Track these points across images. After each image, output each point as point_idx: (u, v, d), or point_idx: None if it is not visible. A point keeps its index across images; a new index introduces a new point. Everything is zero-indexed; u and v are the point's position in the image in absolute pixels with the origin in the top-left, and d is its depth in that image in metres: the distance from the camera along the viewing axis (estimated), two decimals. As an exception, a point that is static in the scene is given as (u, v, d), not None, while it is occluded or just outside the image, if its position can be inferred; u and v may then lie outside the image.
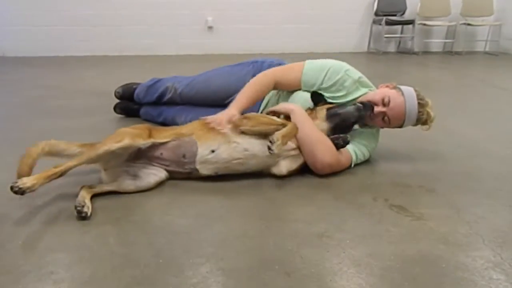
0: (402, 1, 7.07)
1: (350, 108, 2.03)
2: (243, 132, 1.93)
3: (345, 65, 2.18)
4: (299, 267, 1.35)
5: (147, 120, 2.76)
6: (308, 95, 2.15)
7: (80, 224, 1.58)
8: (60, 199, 1.75)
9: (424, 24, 6.99)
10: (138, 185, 1.84)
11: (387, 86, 2.16)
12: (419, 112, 2.05)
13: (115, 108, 2.97)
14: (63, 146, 1.82)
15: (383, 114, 2.04)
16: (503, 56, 7.00)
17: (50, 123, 2.82)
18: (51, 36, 6.22)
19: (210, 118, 2.02)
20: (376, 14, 6.97)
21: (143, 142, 1.86)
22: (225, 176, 1.95)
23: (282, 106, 2.12)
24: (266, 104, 2.35)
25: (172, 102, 2.68)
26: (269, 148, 1.79)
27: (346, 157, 2.06)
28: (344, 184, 1.97)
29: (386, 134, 2.32)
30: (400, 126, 2.12)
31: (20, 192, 1.53)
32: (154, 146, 1.91)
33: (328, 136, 2.01)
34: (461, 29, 7.13)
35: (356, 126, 2.16)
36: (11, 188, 1.52)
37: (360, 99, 2.12)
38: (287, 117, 2.05)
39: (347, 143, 2.02)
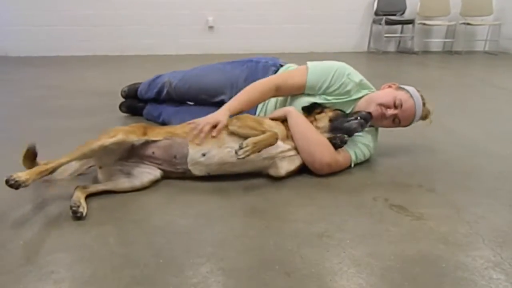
0: (402, 0, 7.08)
1: (354, 123, 2.01)
2: (232, 133, 1.92)
3: (347, 68, 2.17)
4: (299, 267, 1.35)
5: (149, 120, 2.77)
6: (307, 99, 2.15)
7: (80, 224, 1.58)
8: (61, 199, 1.75)
9: (424, 24, 7.00)
10: (133, 184, 1.84)
11: (389, 87, 2.16)
12: (424, 111, 2.11)
13: (120, 107, 2.99)
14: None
15: (395, 116, 2.06)
16: (503, 56, 7.00)
17: (52, 123, 2.83)
18: (52, 36, 6.23)
19: (194, 122, 1.98)
20: (376, 13, 6.97)
21: (136, 139, 1.87)
22: (225, 176, 1.95)
23: (278, 111, 2.12)
24: (261, 109, 2.35)
25: (170, 99, 2.70)
26: (235, 152, 1.75)
27: (344, 157, 2.06)
28: (344, 184, 1.97)
29: (386, 134, 2.32)
30: (406, 126, 2.15)
31: (16, 186, 1.52)
32: (147, 144, 1.91)
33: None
34: (460, 29, 7.14)
35: None
36: (7, 181, 1.52)
37: (365, 100, 2.12)
38: (284, 121, 2.05)
39: (345, 142, 2.02)
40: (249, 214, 1.69)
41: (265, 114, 2.31)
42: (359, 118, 2.02)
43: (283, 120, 2.06)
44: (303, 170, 2.03)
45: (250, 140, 1.77)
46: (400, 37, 7.39)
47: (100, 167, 1.87)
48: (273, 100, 2.32)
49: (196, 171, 1.92)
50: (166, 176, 1.95)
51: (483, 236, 1.54)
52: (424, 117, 2.13)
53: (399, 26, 7.26)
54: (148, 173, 1.89)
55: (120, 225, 1.58)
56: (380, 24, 6.90)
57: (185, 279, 1.28)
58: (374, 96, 2.12)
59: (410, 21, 6.96)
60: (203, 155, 1.89)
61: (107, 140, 1.77)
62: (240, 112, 2.07)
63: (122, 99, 3.00)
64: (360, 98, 2.17)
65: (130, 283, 1.26)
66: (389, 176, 2.08)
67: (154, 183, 1.90)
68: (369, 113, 2.04)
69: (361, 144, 2.13)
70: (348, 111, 2.14)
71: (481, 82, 4.80)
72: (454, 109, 3.44)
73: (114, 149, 1.82)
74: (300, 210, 1.72)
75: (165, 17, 6.48)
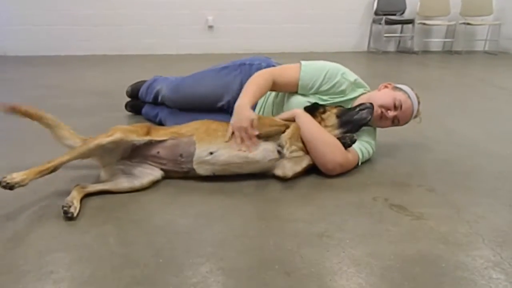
0: (401, 0, 7.08)
1: (363, 113, 2.03)
2: None
3: (341, 68, 2.17)
4: (299, 266, 1.35)
5: (148, 120, 2.77)
6: (303, 100, 2.15)
7: (80, 223, 1.58)
8: (61, 199, 1.74)
9: (424, 24, 7.00)
10: (132, 184, 1.83)
11: (386, 87, 2.17)
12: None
13: (126, 106, 3.00)
14: (66, 134, 1.87)
15: (395, 117, 2.08)
16: (503, 56, 7.00)
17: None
18: (52, 35, 6.23)
19: (231, 129, 1.92)
20: (376, 13, 6.98)
21: (137, 139, 1.86)
22: (225, 176, 1.95)
23: (286, 112, 2.12)
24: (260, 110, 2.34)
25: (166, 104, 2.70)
26: (279, 153, 1.83)
27: (353, 155, 2.06)
28: (344, 183, 1.97)
29: (386, 134, 2.32)
30: (403, 125, 2.17)
31: (9, 187, 1.53)
32: (151, 144, 1.91)
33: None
34: (460, 29, 7.14)
35: None
36: (3, 183, 1.53)
37: (362, 100, 2.13)
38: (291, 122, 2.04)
39: (354, 142, 2.02)
40: (249, 214, 1.69)
41: (263, 115, 2.30)
42: (366, 108, 2.03)
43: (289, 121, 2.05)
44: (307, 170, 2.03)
45: (285, 137, 1.86)
46: (400, 37, 7.39)
47: (103, 166, 1.87)
48: (270, 101, 2.32)
49: (201, 170, 1.92)
50: (168, 176, 1.95)
51: (483, 236, 1.54)
52: (415, 116, 2.17)
53: (399, 26, 7.26)
54: (149, 173, 1.88)
55: (120, 225, 1.58)
56: (380, 24, 6.90)
57: (185, 279, 1.28)
58: (373, 97, 2.12)
59: (410, 21, 6.96)
60: (211, 153, 1.89)
61: (104, 139, 1.77)
62: (255, 103, 2.06)
63: (125, 99, 3.01)
64: (356, 97, 2.18)
65: (130, 283, 1.26)
66: (389, 176, 2.08)
67: (155, 183, 1.90)
68: (371, 103, 2.05)
69: (365, 142, 2.14)
70: None
71: (481, 82, 4.80)
72: (454, 109, 3.44)
73: (113, 148, 1.82)
74: (300, 210, 1.72)
75: (165, 17, 6.48)
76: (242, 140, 1.87)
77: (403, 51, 7.30)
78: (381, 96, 2.12)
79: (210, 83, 2.48)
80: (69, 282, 1.26)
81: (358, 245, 1.47)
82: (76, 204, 1.64)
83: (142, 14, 6.41)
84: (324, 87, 2.13)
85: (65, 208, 1.59)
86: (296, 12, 6.85)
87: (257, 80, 2.09)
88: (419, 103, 2.14)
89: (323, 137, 1.98)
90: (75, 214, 1.60)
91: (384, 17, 6.80)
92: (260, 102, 2.32)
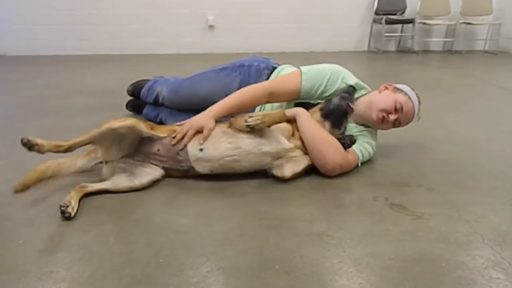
0: (402, 0, 7.07)
1: (336, 99, 2.02)
2: (225, 132, 1.93)
3: (341, 72, 2.16)
4: (299, 266, 1.35)
5: (149, 120, 2.77)
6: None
7: (80, 223, 1.58)
8: (61, 198, 1.75)
9: (424, 23, 7.00)
10: (132, 184, 1.83)
11: (386, 88, 2.16)
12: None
13: (127, 106, 3.00)
14: (68, 163, 1.90)
15: (396, 119, 2.08)
16: (503, 55, 7.00)
17: (51, 122, 2.83)
18: (52, 35, 6.23)
19: (179, 126, 1.97)
20: (376, 13, 6.97)
21: (145, 130, 1.88)
22: (225, 176, 1.95)
23: (288, 111, 2.10)
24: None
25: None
26: (245, 121, 1.83)
27: (353, 156, 2.06)
28: (344, 183, 1.97)
29: (386, 134, 2.31)
30: (404, 125, 2.17)
31: (28, 145, 1.66)
32: (152, 140, 1.92)
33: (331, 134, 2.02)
34: (460, 28, 7.14)
35: (355, 126, 2.17)
36: (22, 140, 1.65)
37: (363, 102, 2.13)
38: (292, 121, 2.04)
39: (354, 142, 2.03)
40: (249, 213, 1.69)
41: None
42: (338, 95, 2.03)
43: (289, 121, 2.04)
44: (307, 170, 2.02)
45: (259, 112, 1.85)
46: (400, 36, 7.39)
47: (106, 162, 1.88)
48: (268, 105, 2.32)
49: (199, 167, 1.92)
50: (169, 175, 1.95)
51: (483, 235, 1.54)
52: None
53: (399, 26, 7.26)
54: (149, 173, 1.89)
55: (120, 224, 1.58)
56: (380, 23, 6.90)
57: (185, 279, 1.28)
58: (374, 100, 2.11)
59: (410, 21, 6.96)
60: (201, 150, 1.90)
61: (115, 123, 1.80)
62: (224, 117, 2.04)
63: (126, 98, 3.02)
64: (356, 98, 2.17)
65: (130, 283, 1.26)
66: (389, 175, 2.08)
67: (154, 183, 1.90)
68: (351, 86, 2.07)
69: (365, 143, 2.13)
70: None
71: (481, 81, 4.80)
72: (454, 108, 3.44)
73: (122, 136, 1.84)
74: (300, 210, 1.72)
75: (165, 16, 6.48)
76: (182, 136, 1.92)
77: (403, 51, 7.30)
78: (381, 100, 2.10)
79: (209, 84, 2.48)
80: (70, 282, 1.26)
81: (359, 244, 1.47)
82: (74, 204, 1.64)
83: (142, 13, 6.41)
84: (326, 94, 2.13)
85: (62, 208, 1.59)
86: (296, 11, 6.85)
87: (249, 92, 2.09)
88: (419, 103, 2.14)
89: (323, 137, 1.97)
90: (72, 214, 1.60)
91: (384, 17, 6.80)
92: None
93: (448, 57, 6.76)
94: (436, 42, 7.40)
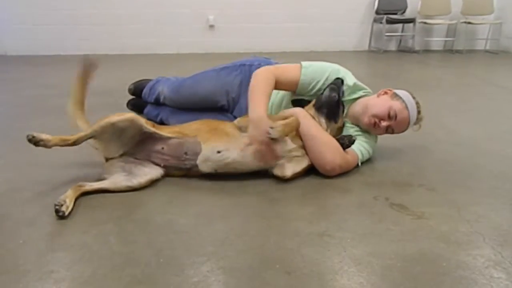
0: (402, -1, 7.08)
1: (326, 92, 2.03)
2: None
3: (340, 71, 2.16)
4: (300, 266, 1.35)
5: (149, 120, 2.77)
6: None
7: (81, 223, 1.58)
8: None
9: (425, 23, 7.00)
10: (131, 183, 1.83)
11: (385, 93, 2.14)
12: (417, 118, 2.11)
13: (127, 104, 3.01)
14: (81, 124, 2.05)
15: (388, 126, 2.07)
16: (503, 55, 7.00)
17: (51, 122, 2.82)
18: (52, 35, 6.23)
19: (248, 136, 1.91)
20: (377, 12, 6.97)
21: (145, 125, 1.89)
22: (226, 176, 1.95)
23: (287, 111, 2.11)
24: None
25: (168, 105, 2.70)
26: (268, 133, 1.81)
27: (352, 156, 2.06)
28: (344, 183, 1.97)
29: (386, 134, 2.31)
30: (399, 133, 2.15)
31: (34, 141, 1.68)
32: (156, 139, 1.93)
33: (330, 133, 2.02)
34: (461, 28, 7.13)
35: (352, 126, 2.17)
36: (27, 136, 1.67)
37: (359, 105, 2.13)
38: None
39: (353, 142, 2.03)
40: (250, 213, 1.69)
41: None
42: (329, 87, 2.04)
43: None
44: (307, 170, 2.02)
45: (279, 122, 1.84)
46: (401, 36, 7.39)
47: (107, 160, 1.89)
48: (278, 101, 2.32)
49: (204, 167, 1.92)
50: (169, 174, 1.95)
51: (483, 235, 1.54)
52: (415, 123, 2.13)
53: (400, 25, 7.26)
54: (148, 172, 1.88)
55: (121, 224, 1.58)
56: (381, 23, 6.90)
57: (185, 278, 1.28)
58: (370, 104, 2.10)
59: (411, 20, 6.96)
60: (218, 152, 1.90)
61: (114, 117, 1.83)
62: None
63: (126, 98, 3.01)
64: (355, 99, 2.17)
65: (130, 283, 1.26)
66: (390, 175, 2.07)
67: (154, 182, 1.90)
68: (338, 78, 2.06)
69: (364, 143, 2.13)
70: (344, 113, 2.15)
71: (481, 81, 4.80)
72: (454, 108, 3.44)
73: (122, 130, 1.85)
74: (300, 209, 1.72)
75: (166, 16, 6.48)
76: (263, 156, 1.89)
77: (404, 50, 7.29)
78: (376, 105, 2.08)
79: (210, 83, 2.48)
80: (70, 281, 1.26)
81: (359, 244, 1.47)
82: (69, 203, 1.64)
83: (142, 13, 6.41)
84: (323, 90, 2.12)
85: (57, 207, 1.59)
86: (297, 11, 6.85)
87: (262, 85, 2.04)
88: (419, 112, 2.10)
89: (322, 138, 1.97)
90: (66, 213, 1.59)
91: (385, 16, 6.80)
92: None
93: (449, 57, 6.76)
94: (437, 41, 7.40)
